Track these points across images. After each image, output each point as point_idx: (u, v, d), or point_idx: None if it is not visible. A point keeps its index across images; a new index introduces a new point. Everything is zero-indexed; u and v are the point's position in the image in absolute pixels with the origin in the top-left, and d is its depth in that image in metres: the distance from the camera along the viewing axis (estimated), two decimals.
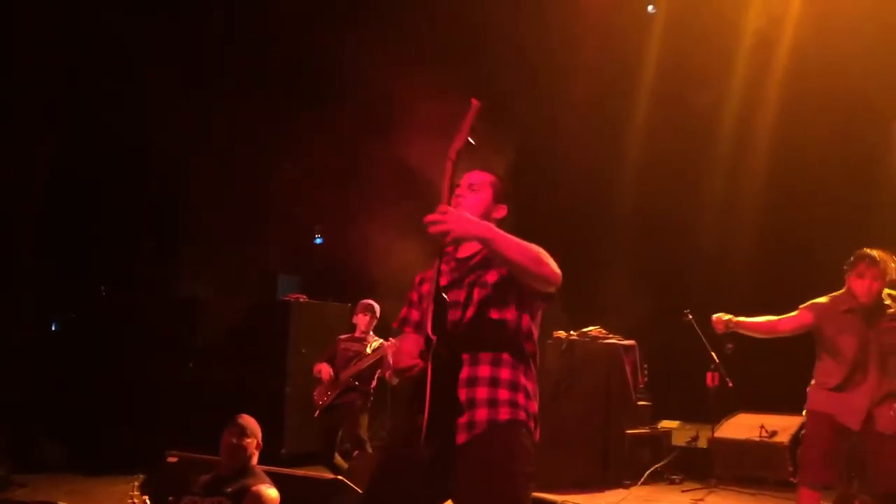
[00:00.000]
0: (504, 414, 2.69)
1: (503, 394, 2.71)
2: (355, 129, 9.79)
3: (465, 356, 2.69)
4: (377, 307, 6.64)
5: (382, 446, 2.88)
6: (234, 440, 3.99)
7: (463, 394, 2.65)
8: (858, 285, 4.58)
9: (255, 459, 4.08)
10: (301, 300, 8.32)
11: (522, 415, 2.73)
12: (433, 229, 2.57)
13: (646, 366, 8.34)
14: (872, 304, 4.56)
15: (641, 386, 8.07)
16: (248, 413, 4.22)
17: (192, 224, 11.04)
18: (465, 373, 2.67)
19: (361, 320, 6.55)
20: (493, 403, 2.68)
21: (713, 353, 7.44)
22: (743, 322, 5.01)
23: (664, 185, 9.50)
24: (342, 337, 6.60)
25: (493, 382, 2.71)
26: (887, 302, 4.60)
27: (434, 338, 2.59)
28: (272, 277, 11.36)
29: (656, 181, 9.57)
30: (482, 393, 2.69)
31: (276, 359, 7.94)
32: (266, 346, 8.13)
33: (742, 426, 7.79)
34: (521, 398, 2.74)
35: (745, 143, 9.39)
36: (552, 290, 2.74)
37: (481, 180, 2.97)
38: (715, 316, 4.99)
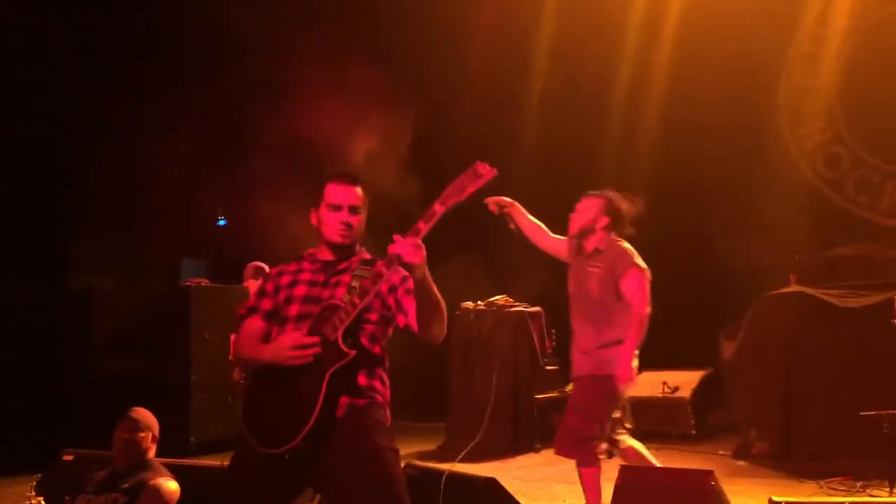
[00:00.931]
0: (363, 399, 2.84)
1: (362, 381, 2.85)
2: (254, 107, 9.59)
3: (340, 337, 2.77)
4: (268, 269, 6.44)
5: (243, 444, 2.86)
6: (127, 435, 3.88)
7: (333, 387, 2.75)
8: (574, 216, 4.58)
9: (151, 453, 3.97)
10: (202, 284, 8.11)
11: (379, 398, 2.90)
12: (416, 255, 2.60)
13: (553, 331, 8.50)
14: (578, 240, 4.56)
15: (550, 351, 8.22)
16: (152, 403, 4.13)
17: (89, 210, 10.63)
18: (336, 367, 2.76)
19: (253, 286, 6.30)
20: (352, 390, 2.80)
21: None
22: (517, 212, 4.79)
23: (560, 158, 9.60)
24: None
25: (356, 372, 2.82)
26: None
27: (339, 343, 2.72)
28: (175, 263, 11.08)
29: (553, 152, 9.68)
30: (345, 380, 2.78)
31: (180, 346, 7.73)
32: (168, 334, 7.89)
33: (646, 384, 8.01)
34: (377, 384, 2.91)
35: (636, 117, 9.55)
36: (432, 342, 2.88)
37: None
38: (491, 199, 4.62)
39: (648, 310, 4.46)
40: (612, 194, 4.60)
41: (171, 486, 3.81)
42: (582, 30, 9.24)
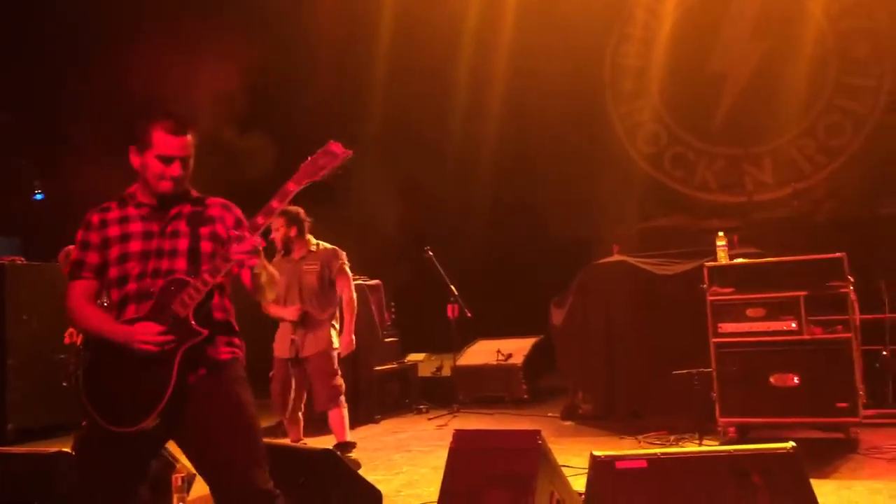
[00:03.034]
0: (225, 354, 2.82)
1: (221, 339, 2.81)
2: (65, 66, 9.00)
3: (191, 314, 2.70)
4: None
5: (89, 426, 2.75)
6: None
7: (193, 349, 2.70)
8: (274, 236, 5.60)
9: None
10: (17, 262, 7.57)
11: (239, 353, 2.89)
12: (249, 258, 2.63)
13: (393, 304, 8.59)
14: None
15: (388, 324, 8.31)
16: None
17: None
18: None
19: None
20: (207, 360, 2.76)
21: (452, 287, 7.81)
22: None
23: (405, 130, 9.67)
24: None
25: (211, 343, 2.78)
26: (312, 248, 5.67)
27: (190, 321, 2.67)
28: None
29: (392, 137, 9.74)
30: (198, 354, 2.73)
31: None
32: None
33: (481, 353, 8.31)
34: (236, 340, 2.89)
35: (477, 93, 9.74)
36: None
37: None
38: None
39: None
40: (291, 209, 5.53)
41: None
42: (423, 13, 9.29)
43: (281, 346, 5.57)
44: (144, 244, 2.78)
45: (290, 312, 5.49)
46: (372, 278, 8.02)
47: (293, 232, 5.62)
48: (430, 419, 7.40)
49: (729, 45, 9.07)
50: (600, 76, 9.79)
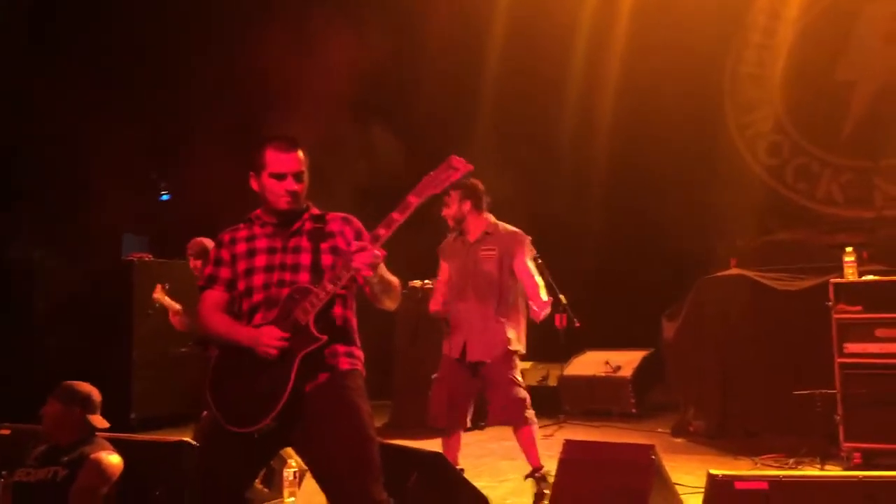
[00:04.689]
0: (344, 365, 2.90)
1: (340, 348, 2.90)
2: (194, 80, 9.42)
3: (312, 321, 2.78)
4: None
5: (210, 418, 2.89)
6: (51, 409, 3.80)
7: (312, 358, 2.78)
8: (445, 212, 4.82)
9: (98, 425, 3.90)
10: (146, 259, 7.97)
11: (359, 364, 2.98)
12: (370, 258, 2.67)
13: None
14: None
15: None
16: (93, 379, 4.03)
17: (30, 183, 10.32)
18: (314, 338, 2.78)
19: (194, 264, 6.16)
20: (326, 367, 2.84)
21: (561, 296, 7.72)
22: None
23: (512, 147, 9.65)
24: None
25: (333, 342, 2.85)
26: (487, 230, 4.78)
27: (311, 327, 2.74)
28: (116, 237, 10.84)
29: (504, 143, 9.74)
30: (317, 360, 2.81)
31: (122, 322, 7.60)
32: (111, 310, 7.75)
33: (589, 363, 8.19)
34: (356, 350, 2.97)
35: (591, 102, 9.63)
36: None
37: None
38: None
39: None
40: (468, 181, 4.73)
41: (113, 459, 3.76)
42: (537, 16, 9.27)
43: (452, 344, 4.74)
44: (269, 259, 2.93)
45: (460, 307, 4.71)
46: None
47: (466, 206, 4.77)
48: None
49: (859, 51, 8.65)
50: (718, 84, 9.50)
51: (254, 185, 2.99)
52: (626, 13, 9.29)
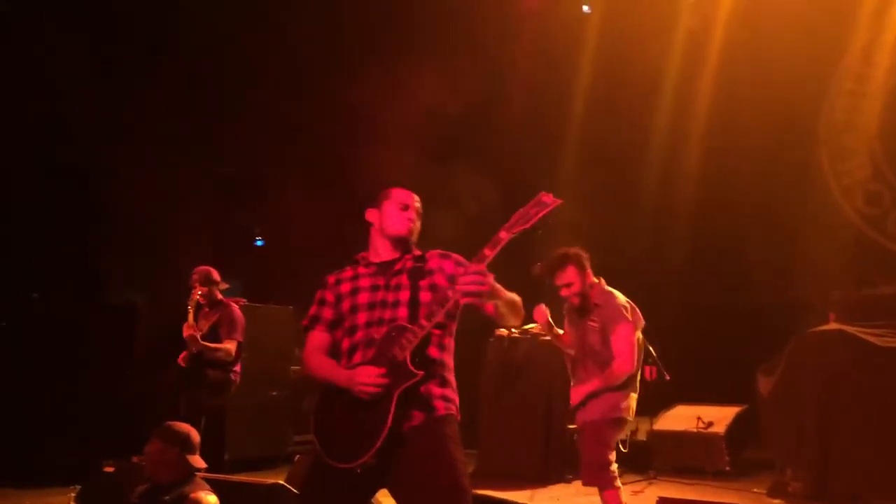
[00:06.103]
0: (440, 409, 2.94)
1: (436, 390, 2.94)
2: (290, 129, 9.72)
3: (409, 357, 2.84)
4: (216, 274, 6.54)
5: (313, 454, 2.96)
6: (153, 448, 3.93)
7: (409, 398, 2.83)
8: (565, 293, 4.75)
9: (196, 464, 4.01)
10: (240, 303, 8.18)
11: (454, 409, 3.01)
12: (477, 287, 2.72)
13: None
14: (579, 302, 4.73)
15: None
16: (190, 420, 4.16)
17: (124, 226, 10.77)
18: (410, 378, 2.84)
19: (199, 291, 6.22)
20: (422, 404, 2.89)
21: (650, 348, 7.58)
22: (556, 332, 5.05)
23: (597, 186, 9.62)
24: None
25: (429, 380, 2.91)
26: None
27: (408, 363, 2.81)
28: None
29: (589, 183, 9.71)
30: (415, 397, 2.86)
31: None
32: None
33: (680, 418, 7.96)
34: (450, 393, 3.02)
35: (677, 143, 9.56)
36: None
37: None
38: (542, 308, 4.92)
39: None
40: (572, 251, 4.76)
41: (211, 499, 3.86)
42: (626, 53, 9.29)
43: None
44: (371, 296, 3.04)
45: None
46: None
47: (589, 278, 4.70)
48: (623, 483, 7.14)
49: None
50: (812, 130, 9.30)
51: (371, 216, 3.18)
52: (715, 59, 9.23)
